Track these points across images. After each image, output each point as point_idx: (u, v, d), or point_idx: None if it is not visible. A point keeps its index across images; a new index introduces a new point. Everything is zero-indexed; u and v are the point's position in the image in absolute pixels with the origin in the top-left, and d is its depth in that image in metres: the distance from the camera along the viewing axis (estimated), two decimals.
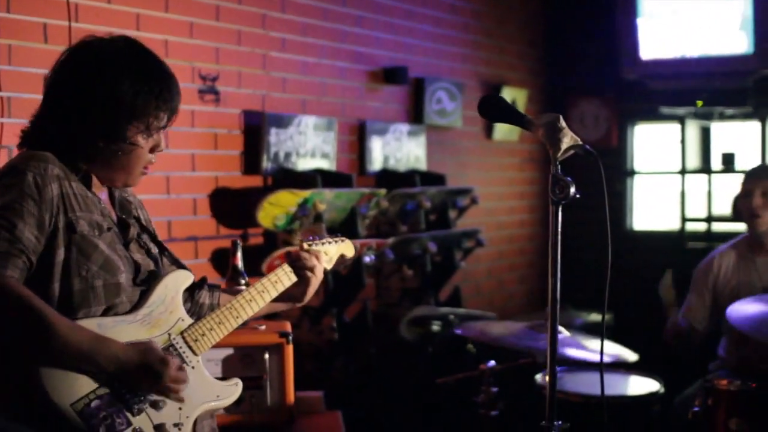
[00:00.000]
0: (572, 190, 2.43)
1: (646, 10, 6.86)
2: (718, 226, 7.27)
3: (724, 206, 7.26)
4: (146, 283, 2.55)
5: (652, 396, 4.46)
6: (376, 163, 5.92)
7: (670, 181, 7.39)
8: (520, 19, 7.65)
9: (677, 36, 6.76)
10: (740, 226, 6.69)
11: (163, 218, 4.59)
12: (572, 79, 7.86)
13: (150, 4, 4.52)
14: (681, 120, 7.17)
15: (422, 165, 6.32)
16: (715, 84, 6.65)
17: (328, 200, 5.03)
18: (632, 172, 7.76)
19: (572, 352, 4.45)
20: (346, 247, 3.07)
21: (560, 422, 2.53)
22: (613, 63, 7.13)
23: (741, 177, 4.97)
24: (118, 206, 2.65)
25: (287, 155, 5.19)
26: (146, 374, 2.39)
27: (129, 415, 2.39)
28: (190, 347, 2.57)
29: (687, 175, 7.27)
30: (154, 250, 2.69)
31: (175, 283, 2.60)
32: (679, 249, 7.15)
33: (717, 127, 7.31)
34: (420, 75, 6.34)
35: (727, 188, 7.24)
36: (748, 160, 7.07)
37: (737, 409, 3.97)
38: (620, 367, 4.82)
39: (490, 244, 6.59)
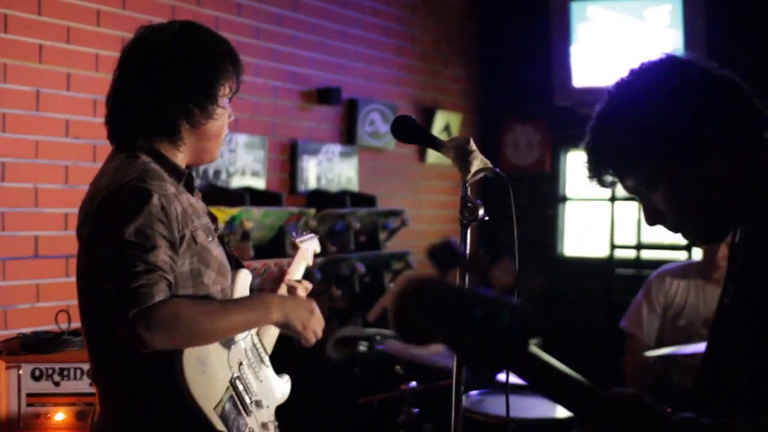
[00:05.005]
0: (481, 212, 2.43)
1: (580, 38, 6.93)
2: (646, 254, 7.35)
3: (652, 234, 7.35)
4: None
5: (573, 419, 4.48)
6: (307, 182, 5.92)
7: (600, 207, 7.46)
8: (455, 42, 7.69)
9: (610, 65, 6.83)
10: (669, 254, 6.84)
11: None
12: (507, 104, 7.89)
13: (81, 17, 4.50)
14: None
15: (354, 186, 6.32)
16: None
17: (255, 218, 5.02)
18: (564, 198, 7.82)
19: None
20: (316, 242, 3.17)
21: None
22: (547, 89, 7.18)
23: None
24: None
25: (217, 173, 5.18)
26: (303, 308, 2.52)
27: (245, 415, 2.45)
28: (264, 347, 2.63)
29: (617, 203, 7.35)
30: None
31: (244, 284, 2.58)
32: (608, 275, 7.22)
33: None
34: (353, 96, 6.36)
35: None
36: None
37: None
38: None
39: (420, 266, 6.60)
